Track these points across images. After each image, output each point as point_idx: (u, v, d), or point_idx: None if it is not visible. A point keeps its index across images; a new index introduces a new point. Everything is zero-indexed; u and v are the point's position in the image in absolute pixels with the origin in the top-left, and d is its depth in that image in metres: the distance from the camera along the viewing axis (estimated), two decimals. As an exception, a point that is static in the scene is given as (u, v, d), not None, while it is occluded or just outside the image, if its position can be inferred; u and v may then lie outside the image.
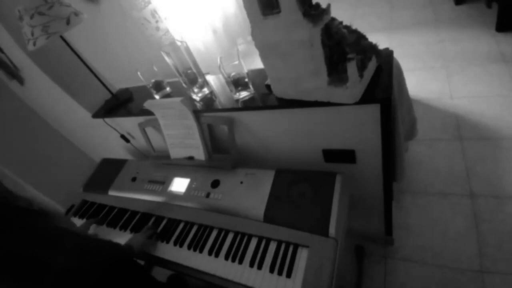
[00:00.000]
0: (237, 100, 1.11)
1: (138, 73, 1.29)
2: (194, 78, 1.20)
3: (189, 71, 1.19)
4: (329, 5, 0.78)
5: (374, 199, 1.21)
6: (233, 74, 1.07)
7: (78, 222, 1.34)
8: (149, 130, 1.36)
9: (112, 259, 0.87)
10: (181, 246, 1.06)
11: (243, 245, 0.98)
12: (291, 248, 0.91)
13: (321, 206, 0.94)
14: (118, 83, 1.58)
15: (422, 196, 1.60)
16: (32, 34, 1.09)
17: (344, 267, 0.92)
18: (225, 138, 1.23)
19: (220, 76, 1.17)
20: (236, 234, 1.02)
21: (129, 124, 1.46)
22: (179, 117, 1.19)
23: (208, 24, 2.82)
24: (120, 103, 1.45)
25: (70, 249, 0.77)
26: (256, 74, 1.17)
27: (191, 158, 1.26)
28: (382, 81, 0.89)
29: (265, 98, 1.06)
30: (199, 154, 1.23)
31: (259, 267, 0.91)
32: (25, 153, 1.61)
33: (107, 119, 1.45)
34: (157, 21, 2.26)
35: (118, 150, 1.70)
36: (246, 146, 1.26)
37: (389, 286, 1.35)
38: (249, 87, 1.09)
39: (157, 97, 1.35)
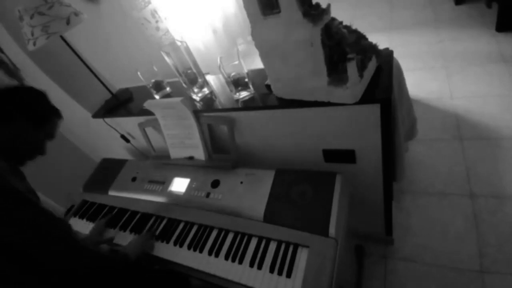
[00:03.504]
0: (237, 100, 1.11)
1: (138, 73, 1.29)
2: (194, 78, 1.20)
3: (189, 71, 1.19)
4: (329, 5, 0.78)
5: (374, 199, 1.21)
6: (233, 74, 1.07)
7: (78, 222, 1.34)
8: (149, 130, 1.36)
9: (105, 274, 0.85)
10: (181, 246, 1.06)
11: (243, 245, 0.98)
12: (291, 248, 0.91)
13: (321, 206, 0.94)
14: (118, 83, 1.58)
15: (422, 196, 1.60)
16: (32, 34, 1.09)
17: (344, 267, 0.92)
18: (225, 138, 1.23)
19: (220, 76, 1.17)
20: (236, 234, 1.02)
21: (129, 124, 1.46)
22: (179, 117, 1.19)
23: (208, 24, 2.82)
24: (120, 103, 1.45)
25: (64, 257, 0.76)
26: (256, 74, 1.17)
27: (191, 158, 1.27)
28: (382, 81, 0.89)
29: (265, 98, 1.06)
30: (199, 154, 1.23)
31: (259, 267, 0.91)
32: (25, 153, 1.60)
33: (107, 119, 1.45)
34: (157, 21, 2.26)
35: (118, 150, 1.70)
36: (246, 146, 1.26)
37: (389, 286, 1.35)
38: (249, 87, 1.09)
39: (157, 97, 1.35)
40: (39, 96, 0.90)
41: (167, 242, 1.09)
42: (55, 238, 0.75)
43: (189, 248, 1.04)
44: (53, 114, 0.92)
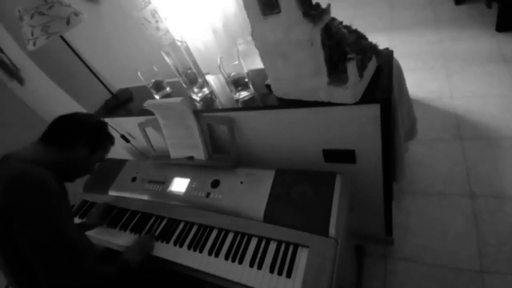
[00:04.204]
0: (237, 100, 1.11)
1: (138, 73, 1.29)
2: (194, 78, 1.20)
3: (189, 71, 1.19)
4: (329, 5, 0.78)
5: (374, 199, 1.21)
6: (233, 74, 1.07)
7: (78, 222, 1.34)
8: (149, 130, 1.36)
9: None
10: (181, 246, 1.06)
11: (243, 245, 0.98)
12: (291, 248, 0.91)
13: (321, 206, 0.94)
14: (118, 83, 1.58)
15: (422, 196, 1.60)
16: (32, 34, 1.09)
17: (344, 267, 0.92)
18: (225, 138, 1.23)
19: (220, 76, 1.17)
20: (236, 234, 1.02)
21: (129, 124, 1.46)
22: (179, 117, 1.19)
23: (208, 24, 2.82)
24: (120, 103, 1.45)
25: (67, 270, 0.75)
26: (256, 74, 1.17)
27: (191, 158, 1.26)
28: (382, 81, 0.89)
29: (265, 98, 1.06)
30: (199, 154, 1.23)
31: (259, 267, 0.91)
32: (25, 153, 1.60)
33: (107, 119, 1.44)
34: (157, 21, 2.26)
35: (118, 150, 1.70)
36: (246, 146, 1.26)
37: (389, 286, 1.35)
38: (249, 87, 1.09)
39: (157, 97, 1.35)
40: (102, 127, 1.02)
41: (167, 242, 1.09)
42: (64, 259, 0.74)
43: (189, 248, 1.04)
44: (109, 142, 1.04)
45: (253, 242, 0.98)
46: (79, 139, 0.93)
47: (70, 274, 0.75)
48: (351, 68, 0.77)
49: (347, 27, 0.91)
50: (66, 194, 0.91)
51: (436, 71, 2.25)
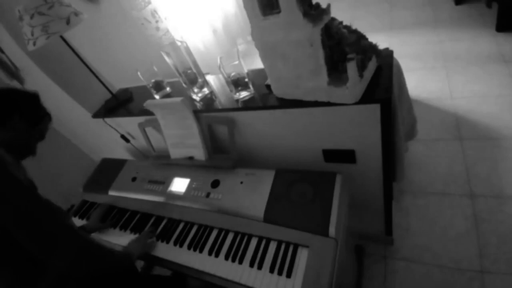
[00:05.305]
0: (237, 100, 1.11)
1: (138, 73, 1.29)
2: (194, 78, 1.20)
3: (189, 71, 1.19)
4: (329, 5, 0.78)
5: (374, 199, 1.21)
6: (233, 74, 1.07)
7: (78, 222, 1.34)
8: (149, 130, 1.36)
9: (110, 269, 0.86)
10: (181, 246, 1.06)
11: (243, 245, 0.98)
12: (291, 248, 0.91)
13: (321, 206, 0.94)
14: (118, 83, 1.58)
15: (422, 196, 1.60)
16: (32, 34, 1.09)
17: (344, 267, 0.92)
18: (225, 138, 1.23)
19: (220, 76, 1.17)
20: (236, 234, 1.02)
21: (129, 124, 1.46)
22: (179, 117, 1.19)
23: (208, 24, 2.82)
24: (120, 103, 1.45)
25: (69, 251, 0.75)
26: (256, 74, 1.17)
27: (191, 158, 1.26)
28: (382, 81, 0.89)
29: (265, 98, 1.06)
30: (199, 154, 1.23)
31: (259, 267, 0.91)
32: (25, 153, 1.60)
33: (107, 119, 1.45)
34: (157, 21, 2.26)
35: (118, 150, 1.70)
36: (246, 146, 1.26)
37: (389, 286, 1.35)
38: (249, 87, 1.09)
39: (157, 97, 1.35)
40: (33, 98, 0.94)
41: (167, 242, 1.09)
42: (48, 224, 0.74)
43: (189, 248, 1.04)
44: (45, 115, 0.97)
45: (253, 242, 0.98)
46: (12, 113, 0.87)
47: (55, 232, 0.73)
48: (351, 68, 0.77)
49: (347, 27, 0.91)
50: (20, 167, 0.89)
51: (436, 71, 2.25)
